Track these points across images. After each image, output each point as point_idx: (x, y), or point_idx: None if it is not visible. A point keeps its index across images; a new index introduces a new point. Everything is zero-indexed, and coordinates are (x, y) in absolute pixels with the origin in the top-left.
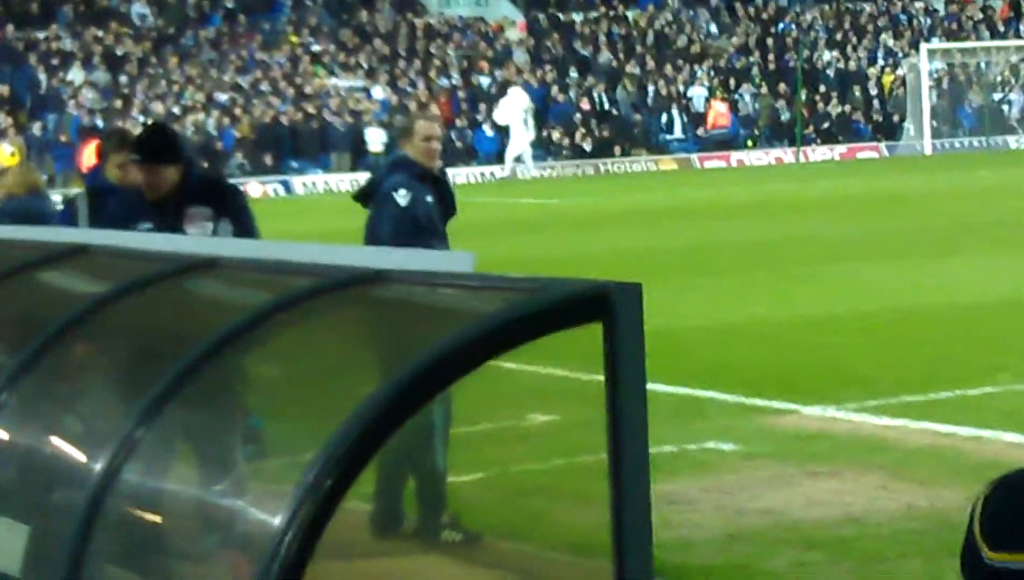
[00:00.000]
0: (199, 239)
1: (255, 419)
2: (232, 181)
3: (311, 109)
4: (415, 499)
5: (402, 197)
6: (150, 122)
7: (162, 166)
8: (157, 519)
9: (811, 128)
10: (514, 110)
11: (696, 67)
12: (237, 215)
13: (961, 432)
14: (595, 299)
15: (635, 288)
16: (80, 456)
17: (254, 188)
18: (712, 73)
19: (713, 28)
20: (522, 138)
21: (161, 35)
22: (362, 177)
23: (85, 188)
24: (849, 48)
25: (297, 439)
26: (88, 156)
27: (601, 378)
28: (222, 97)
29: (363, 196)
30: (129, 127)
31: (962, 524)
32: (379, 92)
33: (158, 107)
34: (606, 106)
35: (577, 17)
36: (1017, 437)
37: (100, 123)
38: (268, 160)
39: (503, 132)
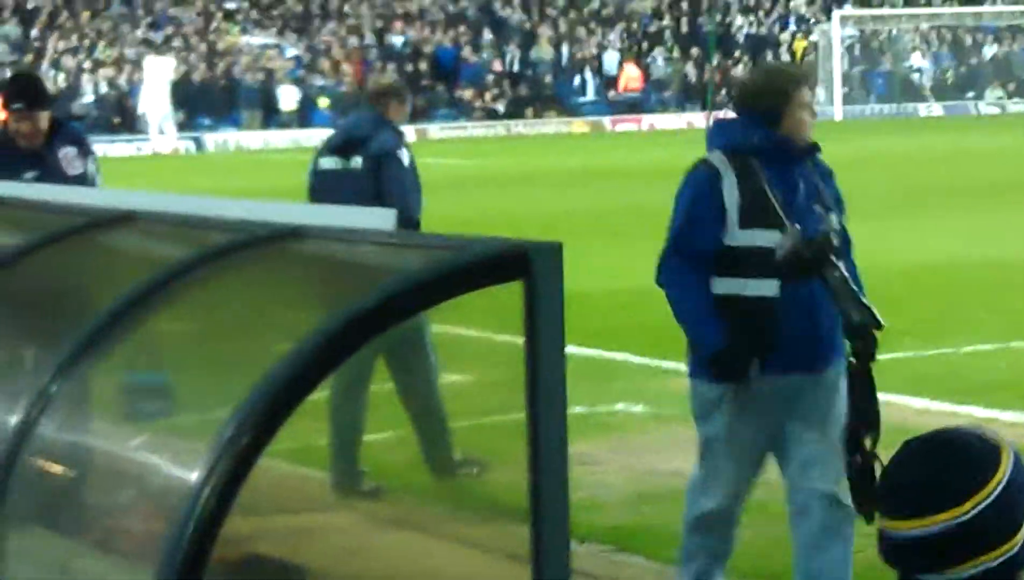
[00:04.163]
0: (116, 192)
1: (162, 375)
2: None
3: (223, 66)
4: (424, 443)
5: (404, 156)
6: (16, 72)
7: (42, 112)
8: (72, 475)
9: (723, 92)
10: (159, 82)
11: (609, 30)
12: (91, 149)
13: (891, 399)
14: (515, 258)
15: (555, 247)
16: None
17: (165, 144)
18: (625, 36)
19: None
20: (164, 106)
21: None
22: (274, 135)
23: None
24: (762, 13)
25: (214, 396)
26: None
27: (515, 339)
28: (133, 52)
29: (343, 148)
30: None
31: None
32: (292, 50)
33: (69, 61)
34: (519, 67)
35: None
36: (923, 402)
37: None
38: (179, 117)
39: (417, 92)
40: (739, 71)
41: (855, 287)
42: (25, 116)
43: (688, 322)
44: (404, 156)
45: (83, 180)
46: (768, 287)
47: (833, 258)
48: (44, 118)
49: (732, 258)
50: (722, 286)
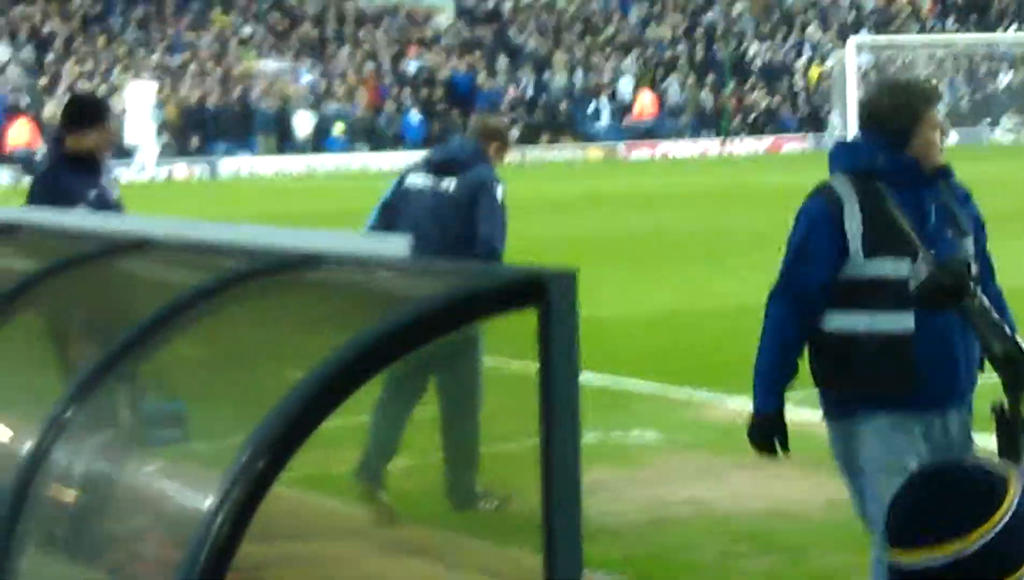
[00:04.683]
0: (130, 218)
1: (177, 403)
2: (158, 163)
3: (238, 91)
4: (451, 473)
5: (499, 192)
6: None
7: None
8: (87, 501)
9: (738, 119)
10: (142, 106)
11: (624, 56)
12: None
13: None
14: (530, 284)
15: (570, 274)
16: (7, 438)
17: (180, 170)
18: (640, 63)
19: (640, 17)
20: (148, 132)
21: (88, 14)
22: (289, 161)
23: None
24: (777, 40)
25: (228, 423)
26: (14, 134)
27: (529, 365)
28: (149, 77)
29: (440, 167)
30: (54, 107)
31: None
32: (307, 76)
33: (85, 86)
34: (533, 94)
35: (507, 4)
36: None
37: (28, 101)
38: (194, 142)
39: (432, 117)
40: (753, 98)
41: (997, 316)
42: (105, 130)
43: (759, 373)
44: (499, 192)
45: (119, 204)
46: (901, 320)
47: (971, 285)
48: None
49: (856, 290)
50: (846, 321)
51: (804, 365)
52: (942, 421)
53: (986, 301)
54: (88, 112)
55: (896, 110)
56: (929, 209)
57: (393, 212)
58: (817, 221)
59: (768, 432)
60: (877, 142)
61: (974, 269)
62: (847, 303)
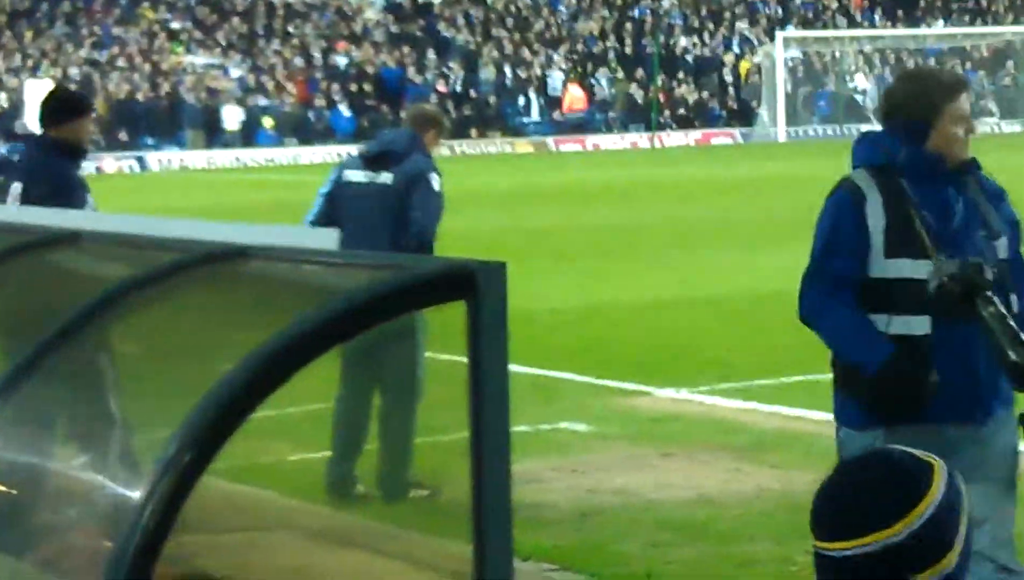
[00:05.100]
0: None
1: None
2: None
3: (167, 86)
4: (385, 463)
5: (436, 182)
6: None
7: None
8: (16, 494)
9: (667, 113)
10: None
11: (553, 51)
12: None
13: (812, 416)
14: (459, 277)
15: (499, 267)
16: None
17: (109, 164)
18: (569, 57)
19: (570, 12)
20: None
21: (15, 8)
22: (219, 155)
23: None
24: (706, 34)
25: (156, 416)
26: None
27: (458, 358)
28: (77, 72)
29: (375, 161)
30: None
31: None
32: (236, 70)
33: (12, 81)
34: (463, 88)
35: None
36: None
37: None
38: (123, 136)
39: (361, 112)
40: (682, 92)
41: (1015, 323)
42: (89, 121)
43: (846, 343)
44: (435, 182)
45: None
46: (918, 324)
47: (988, 291)
48: None
49: (878, 290)
50: None
51: (741, 357)
52: (967, 435)
53: (1002, 307)
54: (71, 104)
55: (914, 101)
56: (954, 207)
57: (333, 205)
58: (843, 214)
59: (907, 369)
60: (897, 136)
61: (990, 273)
62: (868, 304)
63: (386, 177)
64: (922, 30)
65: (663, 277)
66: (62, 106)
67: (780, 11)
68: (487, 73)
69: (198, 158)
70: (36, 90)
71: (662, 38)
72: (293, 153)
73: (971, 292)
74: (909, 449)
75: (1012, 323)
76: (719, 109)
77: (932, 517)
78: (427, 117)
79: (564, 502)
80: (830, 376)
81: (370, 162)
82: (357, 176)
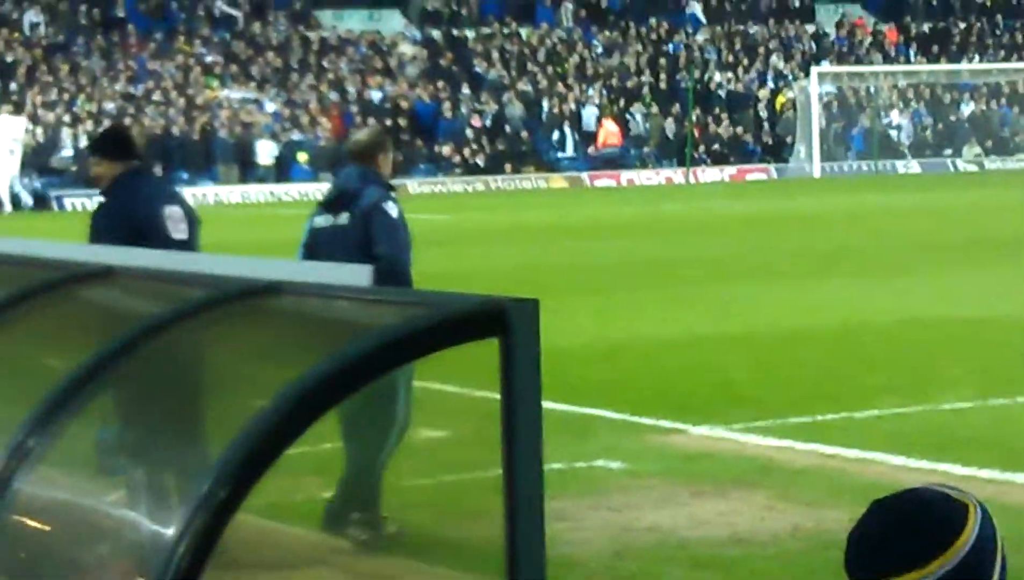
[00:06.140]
0: (93, 247)
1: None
2: None
3: (202, 120)
4: (340, 486)
5: (392, 209)
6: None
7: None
8: (48, 529)
9: (701, 148)
10: (6, 142)
11: (588, 86)
12: None
13: (846, 454)
14: (492, 314)
15: (532, 304)
16: None
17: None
18: (604, 92)
19: (605, 47)
20: (7, 168)
21: (52, 42)
22: (253, 189)
23: None
24: (740, 70)
25: (190, 452)
26: None
27: (491, 395)
28: (112, 106)
29: (334, 204)
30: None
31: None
32: (270, 105)
33: (48, 116)
34: (497, 123)
35: (470, 33)
36: (901, 459)
37: None
38: (157, 170)
39: (396, 147)
40: (717, 128)
41: None
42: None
43: None
44: (392, 209)
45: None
46: None
47: None
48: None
49: None
50: None
51: (775, 394)
52: None
53: None
54: (123, 144)
55: None
56: None
57: (311, 254)
58: None
59: None
60: None
61: None
62: None
63: (343, 218)
64: (957, 65)
65: (697, 313)
66: (114, 144)
67: (814, 46)
68: (521, 108)
69: (232, 193)
70: (5, 127)
71: (697, 73)
72: (327, 188)
73: None
74: (945, 488)
75: None
76: (753, 144)
77: (966, 557)
78: (367, 145)
79: (597, 540)
80: (864, 414)
81: (329, 206)
82: (320, 222)
